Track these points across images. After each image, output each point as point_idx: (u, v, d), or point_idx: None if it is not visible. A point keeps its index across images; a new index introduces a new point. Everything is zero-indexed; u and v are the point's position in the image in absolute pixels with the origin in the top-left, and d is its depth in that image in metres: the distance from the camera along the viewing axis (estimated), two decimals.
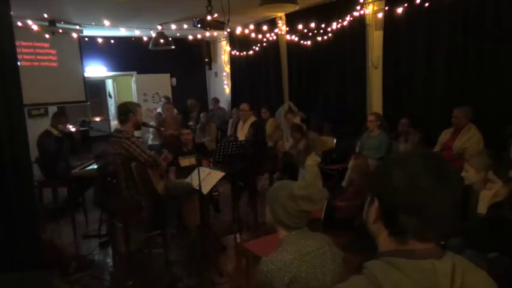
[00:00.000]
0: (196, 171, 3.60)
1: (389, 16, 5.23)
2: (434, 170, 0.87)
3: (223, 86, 9.73)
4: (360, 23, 5.72)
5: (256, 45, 7.52)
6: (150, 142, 7.29)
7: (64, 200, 5.34)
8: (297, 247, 1.61)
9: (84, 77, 7.67)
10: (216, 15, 4.72)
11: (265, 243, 3.03)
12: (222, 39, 9.32)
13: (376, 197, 0.95)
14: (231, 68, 9.12)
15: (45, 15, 6.09)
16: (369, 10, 5.67)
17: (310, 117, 6.59)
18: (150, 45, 7.54)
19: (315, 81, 6.73)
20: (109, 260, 3.98)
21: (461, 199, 0.98)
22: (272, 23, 7.19)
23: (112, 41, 7.71)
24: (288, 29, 6.76)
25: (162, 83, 9.51)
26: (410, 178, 0.87)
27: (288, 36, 6.71)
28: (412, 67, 5.14)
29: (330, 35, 6.01)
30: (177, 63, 9.42)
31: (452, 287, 0.83)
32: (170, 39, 7.49)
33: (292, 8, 5.63)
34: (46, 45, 6.92)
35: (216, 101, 9.19)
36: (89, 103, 8.71)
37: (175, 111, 7.19)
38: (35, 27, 5.83)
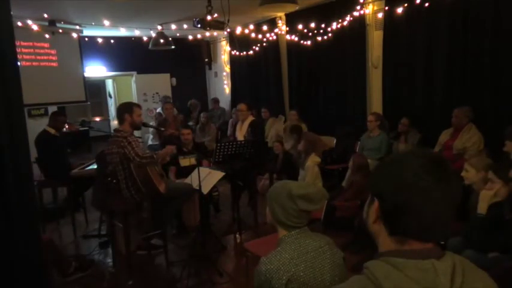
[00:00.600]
0: (196, 171, 3.60)
1: (389, 16, 5.23)
2: (434, 170, 0.87)
3: (223, 86, 9.73)
4: (360, 23, 5.72)
5: (256, 45, 7.52)
6: (150, 142, 7.29)
7: (64, 200, 5.35)
8: (295, 247, 1.61)
9: (84, 77, 7.67)
10: (216, 15, 4.72)
11: (265, 243, 3.03)
12: (222, 39, 9.32)
13: (376, 197, 0.95)
14: (231, 68, 9.12)
15: (45, 15, 6.09)
16: (369, 10, 5.67)
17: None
18: (150, 45, 7.54)
19: (315, 81, 6.73)
20: (109, 260, 3.98)
21: (461, 199, 0.98)
22: (272, 23, 7.19)
23: (112, 41, 7.71)
24: (288, 29, 6.76)
25: (162, 83, 9.51)
26: (410, 178, 0.87)
27: (288, 36, 6.70)
28: (412, 67, 5.14)
29: (330, 35, 6.01)
30: (177, 63, 9.42)
31: (452, 287, 0.83)
32: (170, 39, 7.49)
33: (292, 8, 5.63)
34: (46, 45, 6.92)
35: (216, 101, 9.19)
36: (89, 103, 8.70)
37: (175, 111, 7.18)
38: (35, 27, 5.83)
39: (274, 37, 7.16)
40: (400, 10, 4.91)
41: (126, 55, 8.82)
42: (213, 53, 10.01)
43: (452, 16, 4.55)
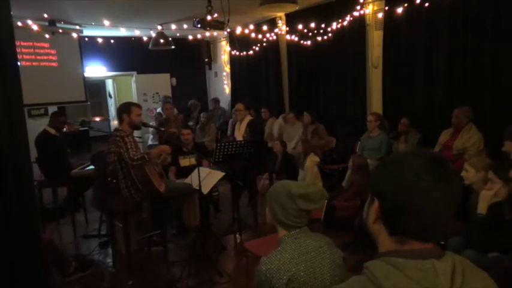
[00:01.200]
0: (196, 171, 3.60)
1: (389, 16, 5.23)
2: (434, 170, 0.87)
3: (223, 86, 9.73)
4: (360, 23, 5.72)
5: (256, 45, 7.51)
6: (150, 142, 7.29)
7: (64, 200, 5.35)
8: (296, 246, 1.61)
9: (84, 77, 7.66)
10: (216, 15, 4.72)
11: (265, 243, 3.04)
12: (222, 39, 9.32)
13: (376, 197, 0.95)
14: (231, 68, 9.12)
15: (45, 15, 6.09)
16: (369, 10, 5.67)
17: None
18: (150, 45, 7.54)
19: (315, 81, 6.73)
20: (109, 260, 3.98)
21: (461, 199, 0.98)
22: (272, 23, 7.19)
23: (112, 41, 7.70)
24: (288, 29, 6.76)
25: (162, 83, 9.51)
26: (410, 178, 0.87)
27: (288, 36, 6.70)
28: (412, 67, 5.14)
29: (330, 35, 6.00)
30: (177, 63, 9.42)
31: (452, 287, 0.83)
32: (170, 39, 7.49)
33: (292, 8, 5.63)
34: (46, 45, 6.92)
35: (216, 101, 9.20)
36: (89, 103, 8.70)
37: (175, 111, 7.18)
38: (35, 27, 5.83)
39: (274, 37, 7.16)
40: (400, 10, 4.91)
41: (126, 55, 8.82)
42: (213, 53, 10.01)
43: (452, 16, 4.55)
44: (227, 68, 9.40)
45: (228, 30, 6.48)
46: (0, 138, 2.00)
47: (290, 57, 7.27)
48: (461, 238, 2.77)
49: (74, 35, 6.93)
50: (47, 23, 6.42)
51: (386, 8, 5.17)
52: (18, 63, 2.27)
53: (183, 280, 3.42)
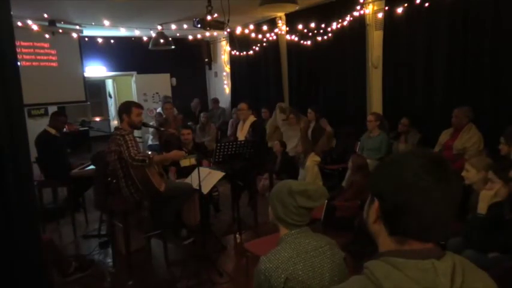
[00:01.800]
0: (196, 171, 3.60)
1: (389, 16, 5.22)
2: (434, 170, 0.87)
3: (223, 86, 9.73)
4: (360, 23, 5.72)
5: (256, 45, 7.51)
6: (150, 142, 7.29)
7: (64, 200, 5.35)
8: (295, 246, 1.62)
9: (84, 77, 7.66)
10: (216, 15, 4.72)
11: (265, 243, 3.03)
12: (222, 39, 9.32)
13: (376, 197, 0.95)
14: (231, 68, 9.12)
15: (45, 15, 6.09)
16: (369, 10, 5.67)
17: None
18: (150, 45, 7.54)
19: (315, 81, 6.73)
20: (109, 260, 3.98)
21: (461, 199, 0.98)
22: (272, 23, 7.19)
23: (112, 41, 7.70)
24: (288, 29, 6.76)
25: (162, 83, 9.51)
26: (410, 178, 0.87)
27: (288, 36, 6.70)
28: (412, 67, 5.13)
29: (330, 35, 6.00)
30: (177, 63, 9.42)
31: (453, 287, 0.83)
32: (170, 39, 7.49)
33: (292, 8, 5.63)
34: (46, 45, 6.92)
35: (216, 101, 9.20)
36: (89, 103, 8.70)
37: (175, 111, 7.18)
38: (35, 27, 5.83)
39: (274, 37, 7.15)
40: (400, 10, 4.91)
41: (126, 55, 8.82)
42: (213, 53, 10.01)
43: (452, 16, 4.55)
44: (227, 68, 9.40)
45: (228, 30, 6.48)
46: (0, 138, 2.01)
47: (290, 57, 7.27)
48: (461, 238, 2.77)
49: (74, 35, 6.93)
50: (47, 23, 6.41)
51: (386, 8, 5.17)
52: (18, 63, 2.27)
53: (183, 280, 3.42)
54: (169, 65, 9.37)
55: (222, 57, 9.64)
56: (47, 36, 6.69)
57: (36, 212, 2.39)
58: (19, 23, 5.66)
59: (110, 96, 11.74)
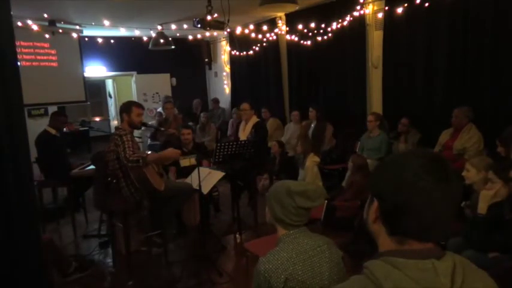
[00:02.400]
0: (196, 171, 3.60)
1: (389, 16, 5.22)
2: (434, 170, 0.87)
3: (223, 86, 9.73)
4: (360, 23, 5.72)
5: (256, 45, 7.51)
6: (150, 142, 7.29)
7: (64, 200, 5.35)
8: (294, 246, 1.61)
9: (84, 77, 7.66)
10: (216, 15, 4.72)
11: (265, 243, 3.03)
12: (222, 39, 9.32)
13: (376, 197, 0.95)
14: (231, 68, 9.12)
15: (45, 15, 6.09)
16: (369, 10, 5.67)
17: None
18: (150, 45, 7.54)
19: (315, 81, 6.73)
20: (109, 260, 3.98)
21: (461, 199, 0.98)
22: (272, 23, 7.19)
23: (112, 41, 7.70)
24: (288, 29, 6.76)
25: (162, 83, 9.51)
26: (410, 178, 0.87)
27: (288, 36, 6.70)
28: (412, 67, 5.14)
29: (330, 35, 6.00)
30: (177, 63, 9.41)
31: (453, 287, 0.83)
32: (170, 39, 7.49)
33: (292, 8, 5.63)
34: (46, 45, 6.92)
35: (216, 101, 9.20)
36: (89, 103, 8.70)
37: (175, 110, 7.18)
38: (35, 27, 5.83)
39: (274, 37, 7.15)
40: (400, 10, 4.91)
41: (126, 55, 8.82)
42: (213, 53, 10.01)
43: (452, 16, 4.55)
44: (227, 68, 9.40)
45: (228, 30, 6.48)
46: (0, 138, 2.01)
47: (290, 57, 7.27)
48: (461, 238, 2.77)
49: (74, 35, 6.93)
50: (47, 23, 6.41)
51: (386, 8, 5.17)
52: (18, 63, 2.27)
53: (183, 280, 3.42)
54: (169, 65, 9.37)
55: (222, 57, 9.64)
56: (47, 36, 6.69)
57: (36, 212, 2.39)
58: (19, 23, 5.66)
59: (110, 96, 11.73)
